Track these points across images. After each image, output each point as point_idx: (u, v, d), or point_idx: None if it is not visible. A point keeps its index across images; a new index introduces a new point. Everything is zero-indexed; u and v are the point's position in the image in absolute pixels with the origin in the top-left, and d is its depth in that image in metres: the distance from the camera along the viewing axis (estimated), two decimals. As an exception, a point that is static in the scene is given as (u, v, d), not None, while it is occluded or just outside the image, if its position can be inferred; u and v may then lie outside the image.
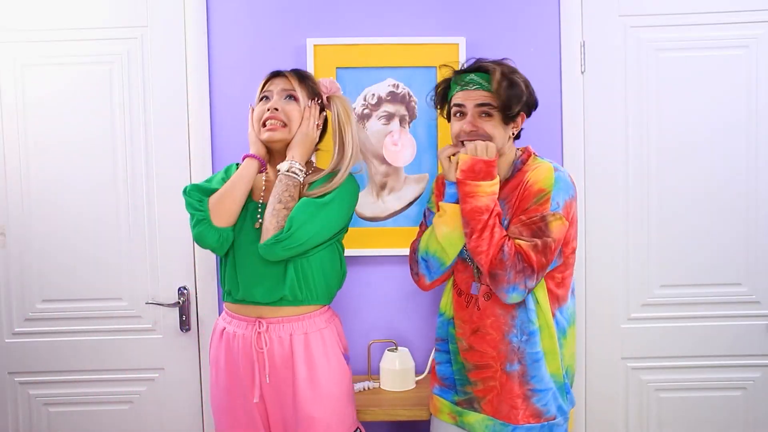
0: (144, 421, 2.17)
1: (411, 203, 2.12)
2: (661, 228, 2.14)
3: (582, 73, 2.11)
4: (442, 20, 2.11)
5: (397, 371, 2.00)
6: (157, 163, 2.11)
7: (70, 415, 2.17)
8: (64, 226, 2.12)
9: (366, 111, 2.11)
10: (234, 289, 1.64)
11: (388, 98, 2.11)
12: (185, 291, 2.13)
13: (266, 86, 1.68)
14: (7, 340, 2.15)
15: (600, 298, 2.16)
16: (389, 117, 2.11)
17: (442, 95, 1.69)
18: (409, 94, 2.10)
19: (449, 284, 1.73)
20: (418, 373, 2.07)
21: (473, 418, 1.63)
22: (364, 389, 2.00)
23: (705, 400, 2.18)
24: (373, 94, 2.10)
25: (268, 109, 1.62)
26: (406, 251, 2.10)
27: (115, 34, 2.09)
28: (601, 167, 2.13)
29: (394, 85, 2.10)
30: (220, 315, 1.79)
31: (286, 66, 2.08)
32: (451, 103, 1.62)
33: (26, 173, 2.11)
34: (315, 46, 2.07)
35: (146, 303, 2.12)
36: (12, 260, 2.13)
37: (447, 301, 1.72)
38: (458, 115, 1.60)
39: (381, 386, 2.02)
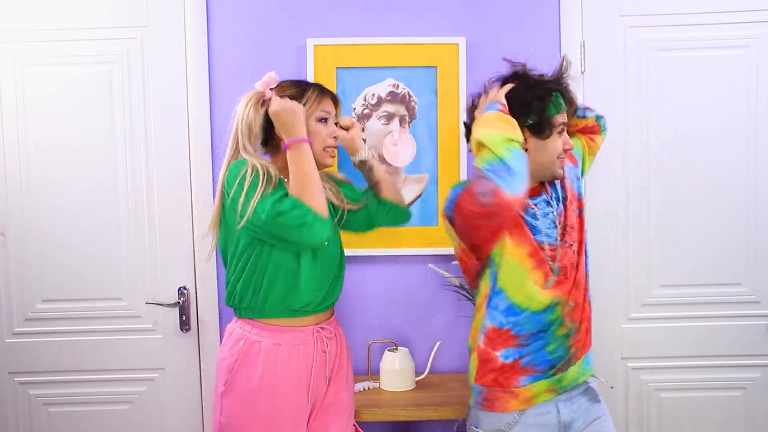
0: (144, 421, 2.17)
1: (411, 203, 2.12)
2: (661, 228, 2.14)
3: (582, 73, 2.11)
4: (442, 20, 2.11)
5: (397, 371, 2.00)
6: (157, 163, 2.11)
7: (70, 415, 2.17)
8: (64, 226, 2.12)
9: (366, 111, 2.11)
10: (313, 298, 1.60)
11: (388, 98, 2.11)
12: (185, 291, 2.13)
13: (323, 105, 1.62)
14: (7, 340, 2.15)
15: (600, 298, 2.15)
16: (389, 117, 2.11)
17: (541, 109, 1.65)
18: (409, 94, 2.10)
19: (520, 281, 1.59)
20: (418, 373, 2.07)
21: (572, 372, 1.64)
22: (364, 389, 2.00)
23: (705, 400, 2.18)
24: (373, 94, 2.10)
25: (334, 137, 1.64)
26: (407, 251, 2.12)
27: (115, 34, 2.09)
28: (601, 167, 2.13)
29: (394, 85, 2.10)
30: (245, 335, 1.58)
31: (287, 67, 2.09)
32: (557, 121, 1.60)
33: (26, 173, 2.11)
34: (315, 46, 2.07)
35: (146, 303, 2.12)
36: (12, 260, 2.13)
37: (526, 294, 1.59)
38: (561, 132, 1.62)
39: (381, 386, 2.02)
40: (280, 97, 1.59)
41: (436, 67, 2.09)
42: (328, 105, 1.63)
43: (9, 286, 2.14)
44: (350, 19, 2.11)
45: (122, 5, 2.09)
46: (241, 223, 1.48)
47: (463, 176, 2.10)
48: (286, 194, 1.50)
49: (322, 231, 1.49)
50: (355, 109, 2.10)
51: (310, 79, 2.07)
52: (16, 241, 2.12)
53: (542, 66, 2.09)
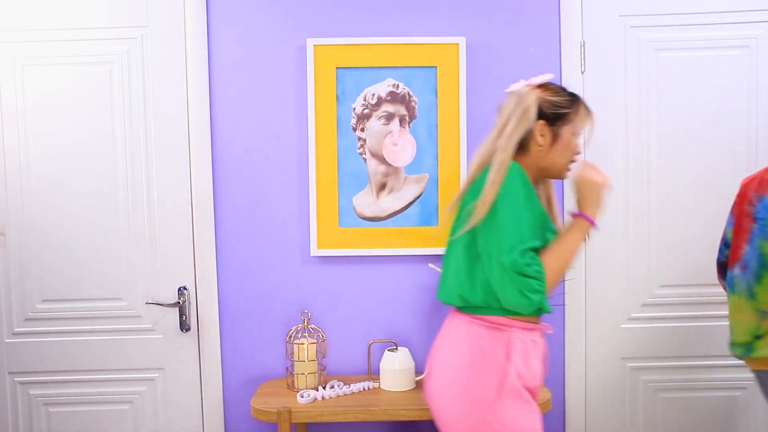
0: (144, 421, 2.17)
1: (411, 203, 2.12)
2: (661, 228, 2.14)
3: (582, 73, 2.11)
4: (442, 20, 2.11)
5: (397, 371, 2.00)
6: (157, 163, 2.11)
7: (70, 415, 2.17)
8: (64, 226, 2.12)
9: (366, 111, 2.11)
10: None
11: (388, 98, 2.11)
12: (185, 291, 2.13)
13: (586, 123, 1.59)
14: (7, 340, 2.15)
15: (600, 298, 2.16)
16: (389, 117, 2.11)
17: None
18: (409, 94, 2.10)
19: None
20: (418, 373, 2.07)
21: None
22: (364, 389, 2.00)
23: (705, 401, 2.18)
24: (373, 94, 2.10)
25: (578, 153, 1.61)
26: (407, 251, 2.12)
27: (115, 34, 2.09)
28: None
29: (394, 85, 2.10)
30: (508, 334, 1.52)
31: (287, 66, 2.09)
32: None
33: (26, 173, 2.11)
34: (315, 46, 2.07)
35: (146, 303, 2.12)
36: (12, 260, 2.13)
37: None
38: None
39: (381, 386, 2.02)
40: (548, 100, 1.54)
41: (436, 67, 2.09)
42: (587, 124, 1.60)
43: (9, 286, 2.14)
44: (350, 19, 2.11)
45: (122, 5, 2.09)
46: (461, 231, 1.49)
47: (463, 176, 2.10)
48: (538, 247, 1.48)
49: (530, 306, 1.46)
50: (355, 109, 2.10)
51: (310, 79, 2.07)
52: (16, 241, 2.12)
53: (543, 66, 2.11)
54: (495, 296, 1.51)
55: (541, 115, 1.53)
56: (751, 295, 1.68)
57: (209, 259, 2.12)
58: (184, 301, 2.12)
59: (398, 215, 2.13)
